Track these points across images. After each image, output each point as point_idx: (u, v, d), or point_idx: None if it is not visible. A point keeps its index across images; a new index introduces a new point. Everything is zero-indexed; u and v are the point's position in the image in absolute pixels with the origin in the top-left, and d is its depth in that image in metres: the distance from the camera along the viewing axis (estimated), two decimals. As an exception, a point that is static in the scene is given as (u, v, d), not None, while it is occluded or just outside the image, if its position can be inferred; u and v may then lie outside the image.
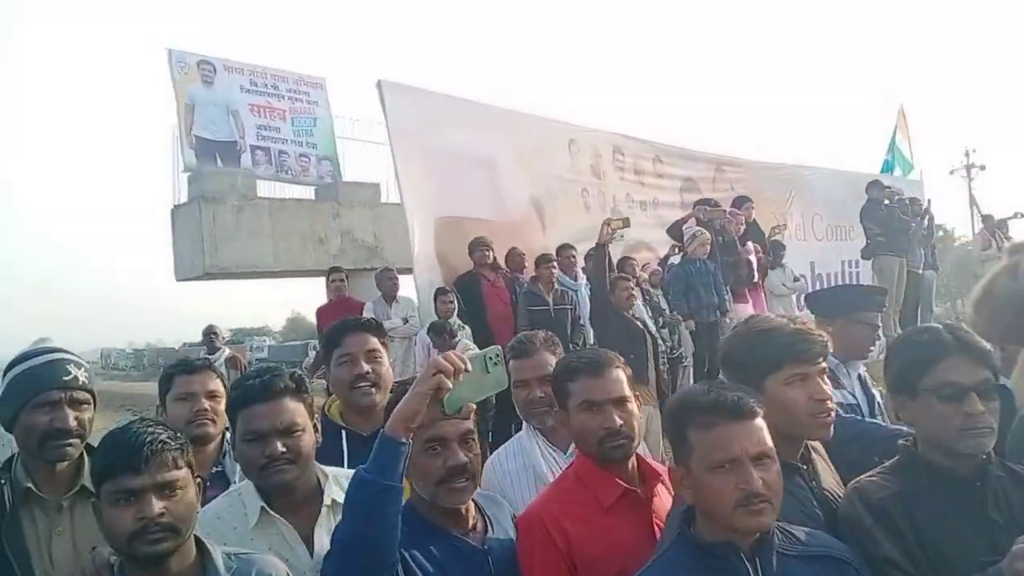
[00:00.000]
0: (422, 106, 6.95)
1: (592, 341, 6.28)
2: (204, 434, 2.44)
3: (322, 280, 13.95)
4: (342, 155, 16.67)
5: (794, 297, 9.11)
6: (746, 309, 6.61)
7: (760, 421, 1.56)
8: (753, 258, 6.68)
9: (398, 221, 15.07)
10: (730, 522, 1.50)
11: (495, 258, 6.93)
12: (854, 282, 12.97)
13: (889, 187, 9.53)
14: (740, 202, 7.23)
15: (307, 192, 15.90)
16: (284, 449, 1.86)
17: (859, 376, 3.29)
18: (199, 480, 1.69)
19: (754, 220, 7.23)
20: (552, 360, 2.38)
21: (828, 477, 1.93)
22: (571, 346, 6.62)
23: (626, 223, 6.16)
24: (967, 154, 33.11)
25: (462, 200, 7.17)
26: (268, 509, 1.87)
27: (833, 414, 1.85)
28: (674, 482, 1.67)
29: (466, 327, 6.56)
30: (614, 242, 6.09)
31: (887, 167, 15.06)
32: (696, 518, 1.60)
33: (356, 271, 13.92)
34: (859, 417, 3.03)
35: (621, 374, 2.07)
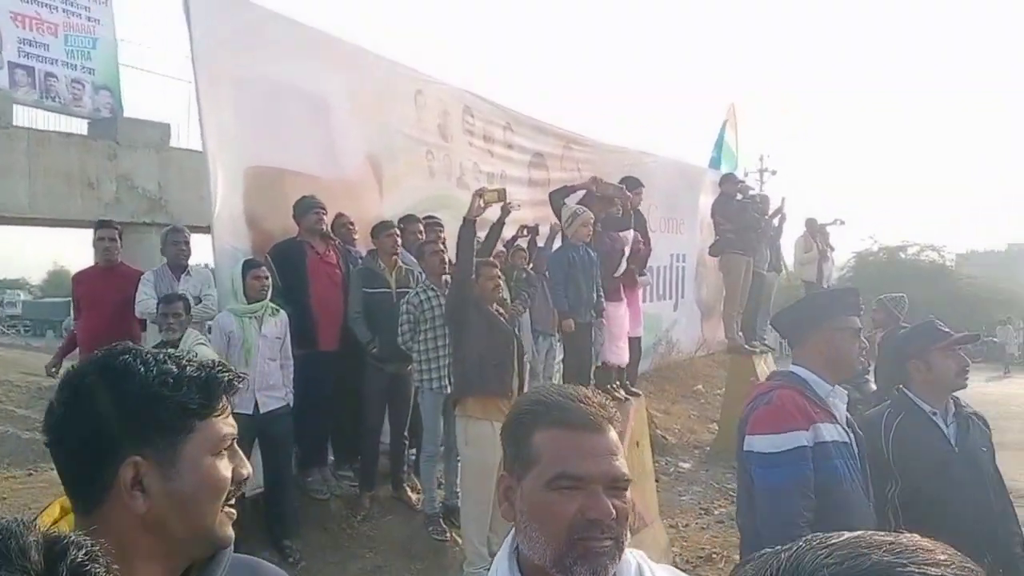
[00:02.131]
0: (240, 20, 5.35)
1: (444, 342, 5.10)
2: None
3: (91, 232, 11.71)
4: (126, 86, 14.37)
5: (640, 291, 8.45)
6: (619, 309, 5.71)
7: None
8: (628, 248, 5.76)
9: (190, 170, 13.22)
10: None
11: (328, 225, 5.55)
12: (680, 276, 12.82)
13: (742, 182, 9.14)
14: (632, 184, 6.32)
15: (79, 126, 13.50)
16: None
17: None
18: None
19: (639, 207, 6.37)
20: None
21: None
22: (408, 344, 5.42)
23: (501, 196, 5.02)
24: (760, 159, 35.20)
25: (283, 148, 5.67)
26: None
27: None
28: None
29: (280, 311, 5.13)
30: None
31: (714, 163, 15.06)
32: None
33: (133, 224, 11.82)
34: (848, 460, 2.53)
35: None
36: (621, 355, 5.73)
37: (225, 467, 1.08)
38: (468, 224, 4.75)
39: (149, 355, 1.08)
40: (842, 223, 12.18)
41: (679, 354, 12.87)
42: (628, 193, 5.97)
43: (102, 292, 5.40)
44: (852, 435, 2.60)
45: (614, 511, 1.18)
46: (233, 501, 1.10)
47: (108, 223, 5.73)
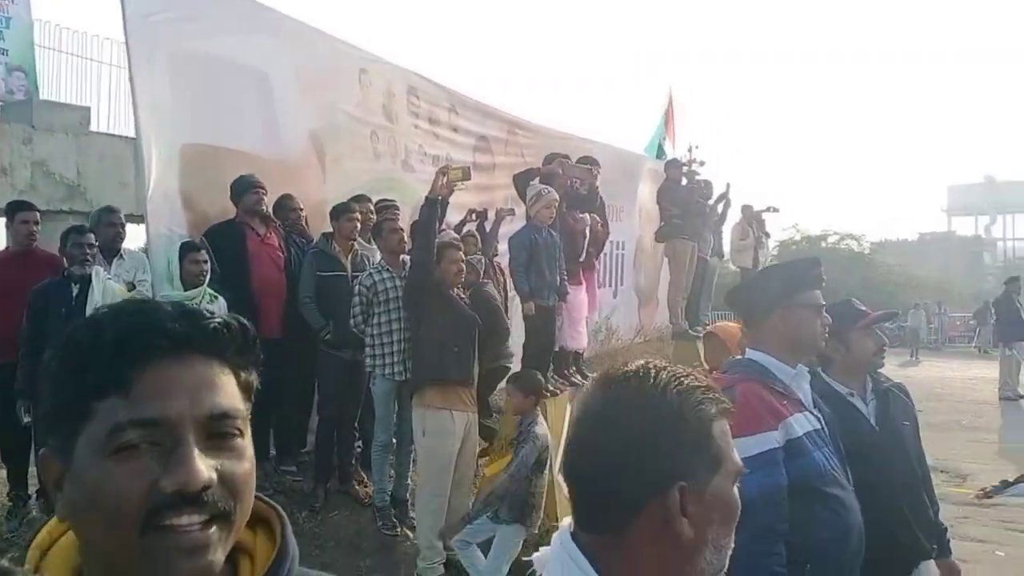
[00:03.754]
0: (175, -11, 5.01)
1: (399, 326, 4.87)
2: None
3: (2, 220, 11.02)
4: (42, 68, 13.62)
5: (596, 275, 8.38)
6: (579, 294, 5.58)
7: None
8: (588, 230, 5.65)
9: (111, 156, 12.60)
10: None
11: (268, 206, 5.26)
12: (620, 264, 12.84)
13: (687, 167, 9.16)
14: (589, 164, 6.20)
15: (-10, 109, 12.72)
16: None
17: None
18: None
19: (597, 187, 6.23)
20: None
21: None
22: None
23: (466, 175, 4.82)
24: (690, 150, 35.71)
25: (221, 124, 5.33)
26: None
27: None
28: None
29: (219, 298, 4.82)
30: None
31: (653, 150, 15.14)
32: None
33: (49, 212, 11.16)
34: (824, 448, 2.32)
35: None
36: (580, 339, 5.63)
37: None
38: (431, 204, 4.53)
39: None
40: (776, 210, 12.37)
41: (618, 341, 12.89)
42: (595, 173, 5.86)
43: (18, 279, 4.98)
44: (820, 417, 2.41)
45: None
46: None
47: (28, 204, 5.30)
